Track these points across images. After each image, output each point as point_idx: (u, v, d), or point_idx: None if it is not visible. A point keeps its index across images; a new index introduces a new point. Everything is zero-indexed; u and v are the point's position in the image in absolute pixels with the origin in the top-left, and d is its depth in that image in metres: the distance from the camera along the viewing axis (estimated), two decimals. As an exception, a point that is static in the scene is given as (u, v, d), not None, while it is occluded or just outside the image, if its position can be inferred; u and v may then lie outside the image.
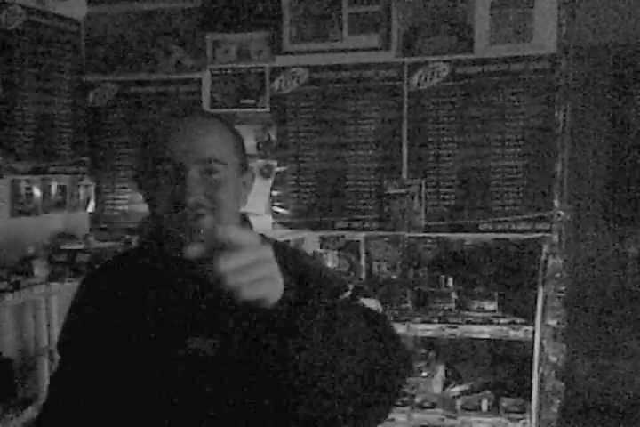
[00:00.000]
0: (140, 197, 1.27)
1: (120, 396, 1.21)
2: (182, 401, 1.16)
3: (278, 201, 3.29)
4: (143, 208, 1.34)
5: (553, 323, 2.77)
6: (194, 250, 0.83)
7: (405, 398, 2.70)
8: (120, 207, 3.47)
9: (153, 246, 1.29)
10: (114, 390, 1.22)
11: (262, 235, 1.24)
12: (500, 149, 3.03)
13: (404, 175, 3.14)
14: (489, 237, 3.04)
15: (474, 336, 2.66)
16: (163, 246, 1.25)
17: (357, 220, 3.19)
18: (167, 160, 1.19)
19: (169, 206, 1.19)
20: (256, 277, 0.84)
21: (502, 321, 2.62)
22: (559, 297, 2.99)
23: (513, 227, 3.02)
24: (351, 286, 1.24)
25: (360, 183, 3.19)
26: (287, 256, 1.12)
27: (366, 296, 1.20)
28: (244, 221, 1.30)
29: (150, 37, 3.39)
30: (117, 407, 1.21)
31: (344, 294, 1.19)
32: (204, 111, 1.34)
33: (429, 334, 2.70)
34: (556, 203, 2.99)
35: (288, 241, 3.13)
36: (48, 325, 2.98)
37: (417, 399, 2.69)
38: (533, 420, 2.55)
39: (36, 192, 3.10)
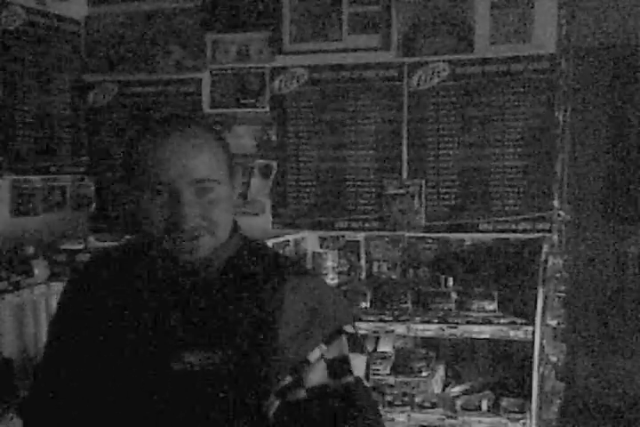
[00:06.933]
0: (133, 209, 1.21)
1: (106, 406, 1.20)
2: (175, 412, 1.15)
3: (278, 201, 3.29)
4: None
5: (553, 323, 2.77)
6: None
7: (405, 398, 2.69)
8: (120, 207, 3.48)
9: (146, 260, 1.26)
10: (100, 398, 1.21)
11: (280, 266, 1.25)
12: (500, 149, 3.03)
13: (404, 175, 3.14)
14: (489, 237, 3.04)
15: (474, 336, 2.66)
16: (156, 261, 1.23)
17: (357, 220, 3.19)
18: (160, 183, 1.15)
19: (164, 228, 1.16)
20: None
21: (502, 321, 2.61)
22: (559, 297, 2.99)
23: (513, 227, 3.01)
24: (348, 328, 1.17)
25: (360, 183, 3.19)
26: (302, 292, 1.17)
27: (357, 350, 1.15)
28: (235, 228, 1.28)
29: (150, 37, 3.39)
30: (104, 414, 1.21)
31: (336, 339, 1.15)
32: (189, 121, 1.25)
33: (429, 334, 2.69)
34: (555, 203, 2.99)
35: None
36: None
37: (417, 399, 2.69)
38: (533, 420, 2.55)
39: (36, 192, 3.10)
